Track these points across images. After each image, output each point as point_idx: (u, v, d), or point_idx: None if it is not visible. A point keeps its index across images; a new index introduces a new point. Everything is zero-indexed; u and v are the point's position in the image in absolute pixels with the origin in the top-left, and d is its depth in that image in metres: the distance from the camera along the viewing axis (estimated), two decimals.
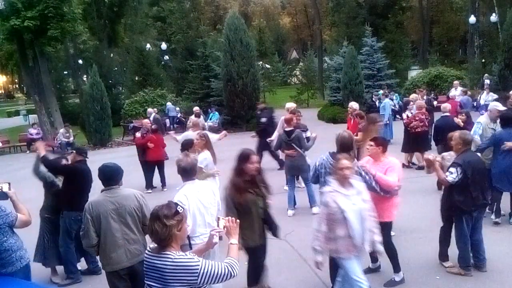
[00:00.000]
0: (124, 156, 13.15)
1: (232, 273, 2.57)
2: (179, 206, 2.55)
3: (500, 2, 27.95)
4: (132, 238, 3.81)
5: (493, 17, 26.26)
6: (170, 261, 2.44)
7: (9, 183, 4.03)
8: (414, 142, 9.65)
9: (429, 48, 37.00)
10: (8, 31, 17.41)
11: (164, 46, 31.30)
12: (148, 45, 31.52)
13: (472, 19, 26.01)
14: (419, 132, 9.50)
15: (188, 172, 3.97)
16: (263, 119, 10.98)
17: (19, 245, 3.82)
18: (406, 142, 9.90)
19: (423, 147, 9.53)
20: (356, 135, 8.20)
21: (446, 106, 8.55)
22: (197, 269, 2.44)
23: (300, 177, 8.01)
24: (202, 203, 3.97)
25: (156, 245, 2.54)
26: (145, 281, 2.60)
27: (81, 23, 21.93)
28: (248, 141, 16.06)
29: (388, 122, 13.49)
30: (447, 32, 37.70)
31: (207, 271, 2.45)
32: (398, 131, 11.66)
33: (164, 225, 2.42)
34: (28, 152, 18.39)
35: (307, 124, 8.49)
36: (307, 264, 5.48)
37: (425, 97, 13.14)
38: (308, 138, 7.64)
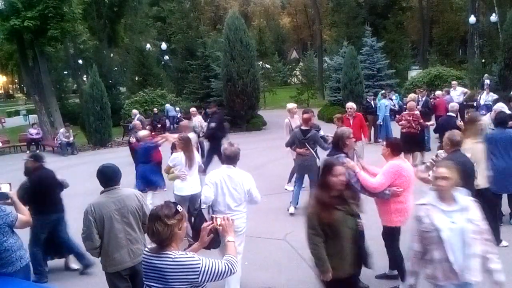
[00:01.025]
0: (124, 156, 13.11)
1: (232, 270, 2.59)
2: (178, 206, 2.56)
3: (500, 2, 27.94)
4: (134, 238, 3.82)
5: (493, 17, 26.25)
6: (171, 261, 2.44)
7: (10, 184, 4.03)
8: (402, 141, 9.48)
9: (429, 48, 37.00)
10: (8, 31, 17.39)
11: (164, 46, 31.30)
12: (148, 45, 31.51)
13: (472, 19, 26.01)
14: (405, 133, 9.26)
15: (230, 158, 4.64)
16: (212, 124, 10.82)
17: (19, 245, 3.82)
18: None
19: (408, 149, 8.78)
20: None
21: (454, 105, 8.56)
22: (198, 267, 2.45)
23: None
24: (227, 185, 4.54)
25: (155, 245, 2.54)
26: (144, 282, 2.60)
27: (81, 23, 21.92)
28: (248, 141, 16.11)
29: (382, 123, 13.47)
30: (447, 32, 37.70)
31: (208, 269, 2.47)
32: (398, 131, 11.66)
33: (165, 225, 2.44)
34: (28, 152, 18.38)
35: None
36: (307, 264, 5.48)
37: (424, 98, 13.09)
38: (323, 137, 7.64)
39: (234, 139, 14.47)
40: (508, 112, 6.92)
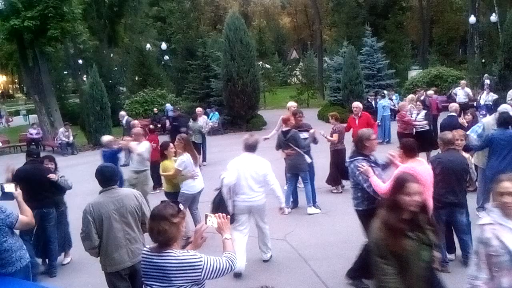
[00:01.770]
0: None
1: (233, 267, 2.64)
2: (180, 205, 2.59)
3: (500, 2, 27.94)
4: (133, 237, 3.81)
5: (493, 17, 26.24)
6: (174, 259, 2.47)
7: (15, 184, 4.03)
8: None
9: (429, 48, 36.97)
10: (8, 31, 17.41)
11: (164, 46, 31.28)
12: (148, 45, 31.50)
13: (472, 19, 26.00)
14: (399, 133, 9.58)
15: (252, 146, 5.33)
16: (183, 129, 10.73)
17: (19, 245, 3.82)
18: None
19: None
20: (331, 136, 8.25)
21: (453, 105, 8.56)
22: (201, 265, 2.49)
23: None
24: (248, 170, 5.19)
25: (156, 244, 2.55)
26: (144, 282, 2.58)
27: (81, 23, 21.91)
28: None
29: (380, 123, 13.46)
30: (447, 32, 37.68)
31: (210, 267, 2.51)
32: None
33: (171, 224, 2.49)
34: None
35: None
36: (307, 264, 5.48)
37: (422, 98, 13.15)
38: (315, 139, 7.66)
39: (234, 139, 14.47)
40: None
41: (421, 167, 4.30)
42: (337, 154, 8.28)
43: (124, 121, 13.86)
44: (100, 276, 4.04)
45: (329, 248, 5.90)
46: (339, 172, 8.25)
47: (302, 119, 7.74)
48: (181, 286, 2.46)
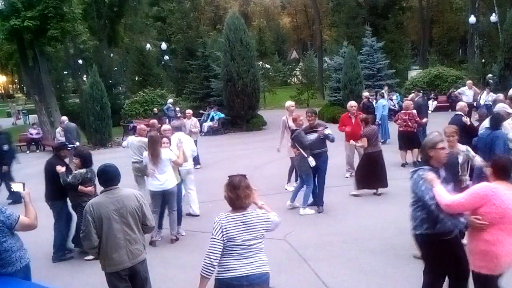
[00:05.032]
0: (124, 157, 13.08)
1: (279, 222, 3.46)
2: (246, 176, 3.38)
3: (500, 2, 27.97)
4: (133, 238, 3.80)
5: (493, 17, 26.27)
6: (256, 215, 3.31)
7: (23, 183, 4.00)
8: (399, 140, 10.46)
9: (429, 48, 36.97)
10: (8, 31, 17.38)
11: (164, 46, 31.29)
12: (148, 45, 31.50)
13: (472, 19, 26.01)
14: (402, 131, 10.18)
15: (180, 128, 7.84)
16: (5, 147, 9.93)
17: (19, 245, 3.81)
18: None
19: (405, 146, 10.18)
20: (359, 141, 8.21)
21: (459, 104, 8.59)
22: (270, 219, 3.35)
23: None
24: (187, 144, 7.32)
25: (231, 209, 3.27)
26: (234, 239, 3.16)
27: (81, 23, 21.88)
28: (248, 141, 16.10)
29: (380, 122, 13.49)
30: (447, 32, 37.72)
31: (274, 221, 3.38)
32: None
33: (251, 190, 3.30)
34: (28, 152, 18.40)
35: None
36: (307, 264, 5.48)
37: (416, 98, 13.19)
38: (327, 136, 7.41)
39: (234, 139, 14.45)
40: (510, 111, 6.95)
41: (506, 193, 3.38)
42: (368, 158, 7.99)
43: (64, 126, 13.19)
44: (100, 276, 4.04)
45: (329, 248, 5.90)
46: (374, 177, 7.97)
47: (313, 118, 7.50)
48: (262, 234, 3.30)
